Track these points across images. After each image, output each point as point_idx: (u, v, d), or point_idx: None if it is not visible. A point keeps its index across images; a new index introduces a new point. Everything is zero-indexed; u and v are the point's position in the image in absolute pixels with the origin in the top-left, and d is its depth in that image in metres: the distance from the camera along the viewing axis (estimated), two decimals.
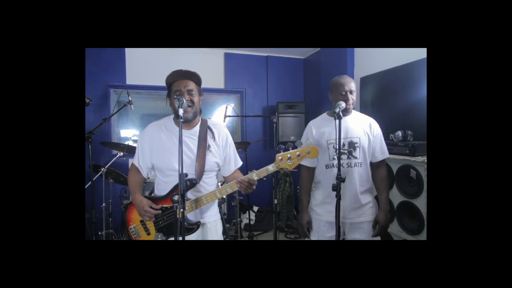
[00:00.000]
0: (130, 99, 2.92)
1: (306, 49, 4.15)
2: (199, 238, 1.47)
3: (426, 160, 1.92)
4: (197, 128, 1.48)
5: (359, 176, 1.63)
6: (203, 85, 1.50)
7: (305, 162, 1.67)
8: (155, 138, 1.46)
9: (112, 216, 2.91)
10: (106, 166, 2.76)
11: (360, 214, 1.65)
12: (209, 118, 1.59)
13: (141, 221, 1.48)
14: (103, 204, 2.87)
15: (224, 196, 1.68)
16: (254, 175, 1.37)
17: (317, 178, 1.73)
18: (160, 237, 1.42)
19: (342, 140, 1.60)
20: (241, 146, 3.29)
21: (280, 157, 1.38)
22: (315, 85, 4.10)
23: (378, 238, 1.65)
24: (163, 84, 1.46)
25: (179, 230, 1.15)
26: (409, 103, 2.47)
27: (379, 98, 2.87)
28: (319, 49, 3.96)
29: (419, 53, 2.33)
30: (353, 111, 1.71)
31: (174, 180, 1.40)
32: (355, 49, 3.34)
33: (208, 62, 3.98)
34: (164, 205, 1.43)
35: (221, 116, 3.19)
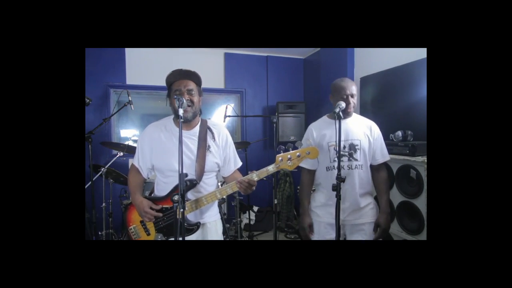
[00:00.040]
0: (130, 99, 2.92)
1: (306, 49, 4.15)
2: (199, 238, 1.47)
3: (426, 160, 1.92)
4: (197, 129, 1.48)
5: (359, 178, 1.64)
6: (203, 85, 1.50)
7: (306, 165, 1.68)
8: (155, 138, 1.46)
9: (112, 216, 2.91)
10: (106, 166, 2.76)
11: (361, 215, 1.65)
12: (209, 119, 1.59)
13: (141, 222, 1.48)
14: (103, 204, 2.87)
15: (224, 196, 1.68)
16: (254, 176, 1.37)
17: (317, 180, 1.73)
18: (160, 237, 1.42)
19: (342, 142, 1.61)
20: (241, 146, 3.29)
21: (280, 158, 1.38)
22: (315, 85, 4.09)
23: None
24: (163, 84, 1.46)
25: (179, 231, 1.15)
26: (409, 103, 2.47)
27: (379, 98, 2.87)
28: (319, 49, 3.96)
29: (419, 53, 2.33)
30: (354, 114, 1.71)
31: (174, 181, 1.40)
32: (355, 49, 3.34)
33: (208, 62, 3.98)
34: (164, 206, 1.43)
35: (221, 116, 3.19)
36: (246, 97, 4.22)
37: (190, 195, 1.42)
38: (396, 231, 2.19)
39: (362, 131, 1.66)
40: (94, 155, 2.90)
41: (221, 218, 1.64)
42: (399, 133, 2.24)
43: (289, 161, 1.38)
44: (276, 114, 3.94)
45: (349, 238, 1.69)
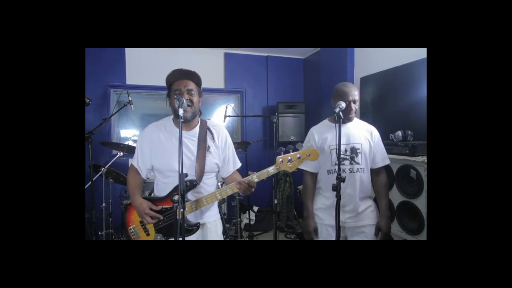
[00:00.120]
0: (130, 99, 2.92)
1: (306, 49, 4.15)
2: (199, 238, 1.47)
3: (426, 160, 1.92)
4: (196, 129, 1.48)
5: (361, 182, 1.65)
6: (203, 85, 1.50)
7: (308, 167, 1.69)
8: (154, 139, 1.46)
9: (112, 216, 2.91)
10: (106, 166, 2.76)
11: (362, 218, 1.66)
12: (209, 119, 1.59)
13: (141, 222, 1.48)
14: (103, 204, 2.87)
15: (225, 197, 1.68)
16: (255, 177, 1.37)
17: (318, 183, 1.74)
18: (159, 238, 1.42)
19: (344, 146, 1.63)
20: (241, 146, 3.29)
21: (280, 159, 1.38)
22: (315, 85, 4.09)
23: None
24: (163, 84, 1.46)
25: (179, 231, 1.15)
26: (409, 103, 2.47)
27: (379, 98, 2.87)
28: (319, 49, 3.96)
29: (419, 53, 2.33)
30: (355, 119, 1.73)
31: (174, 181, 1.40)
32: (355, 49, 3.34)
33: (208, 62, 3.98)
34: (164, 206, 1.43)
35: (221, 116, 3.19)
36: (246, 97, 4.22)
37: (190, 195, 1.42)
38: (396, 231, 2.19)
39: (363, 135, 1.68)
40: (94, 155, 2.90)
41: (221, 218, 1.63)
42: (399, 133, 2.24)
43: (289, 163, 1.38)
44: (276, 114, 3.94)
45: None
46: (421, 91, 2.35)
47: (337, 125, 1.41)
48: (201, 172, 1.42)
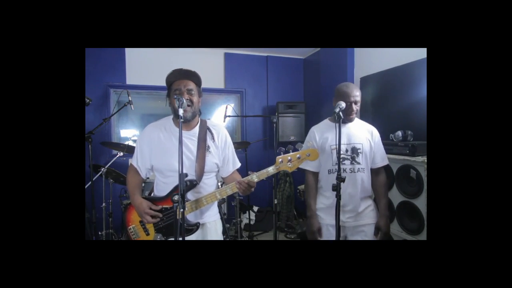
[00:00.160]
0: (130, 99, 2.92)
1: (306, 49, 4.15)
2: (199, 238, 1.47)
3: (426, 160, 1.92)
4: (196, 129, 1.48)
5: (361, 181, 1.65)
6: (203, 85, 1.50)
7: (309, 167, 1.70)
8: (154, 139, 1.46)
9: (112, 216, 2.91)
10: (106, 166, 2.76)
11: (362, 217, 1.67)
12: (209, 119, 1.59)
13: (140, 222, 1.48)
14: (103, 204, 2.87)
15: (224, 197, 1.68)
16: (254, 177, 1.37)
17: (319, 183, 1.74)
18: (159, 237, 1.42)
19: (345, 146, 1.63)
20: (241, 146, 3.29)
21: (280, 159, 1.38)
22: (315, 85, 4.09)
23: None
24: (163, 84, 1.45)
25: (178, 231, 1.15)
26: (409, 103, 2.47)
27: (379, 98, 2.87)
28: (319, 49, 3.96)
29: (419, 53, 2.33)
30: (356, 119, 1.73)
31: (174, 181, 1.40)
32: (355, 49, 3.34)
33: (208, 62, 3.98)
34: (164, 206, 1.43)
35: (221, 116, 3.19)
36: (246, 97, 4.22)
37: (190, 195, 1.41)
38: (396, 231, 2.19)
39: (364, 135, 1.69)
40: (94, 155, 2.90)
41: (221, 218, 1.64)
42: (399, 133, 2.24)
43: (289, 163, 1.38)
44: (276, 114, 3.94)
45: (350, 239, 1.70)
46: (421, 91, 2.35)
47: (337, 125, 1.42)
48: (201, 172, 1.42)
